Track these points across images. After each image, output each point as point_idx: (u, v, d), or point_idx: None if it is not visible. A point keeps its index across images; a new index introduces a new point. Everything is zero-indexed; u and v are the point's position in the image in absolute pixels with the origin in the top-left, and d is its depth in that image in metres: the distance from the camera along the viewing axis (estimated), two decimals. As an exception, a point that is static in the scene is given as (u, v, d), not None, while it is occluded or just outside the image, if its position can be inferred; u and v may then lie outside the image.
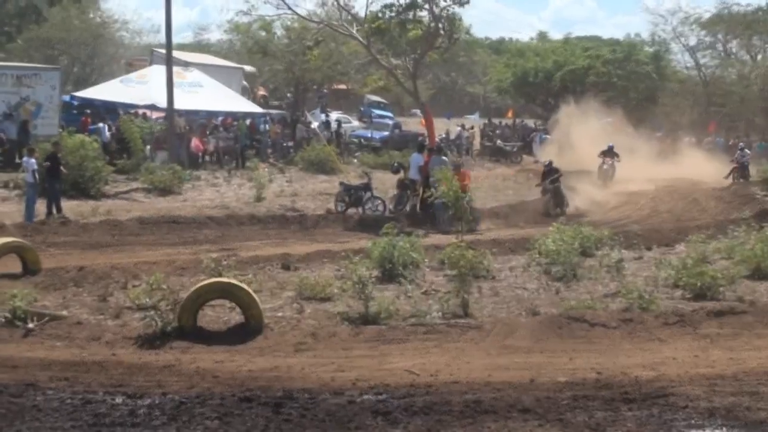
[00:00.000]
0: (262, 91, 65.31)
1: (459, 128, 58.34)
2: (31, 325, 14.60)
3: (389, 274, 18.88)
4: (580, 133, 48.19)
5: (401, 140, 52.39)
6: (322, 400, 11.32)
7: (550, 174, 34.03)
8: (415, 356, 13.58)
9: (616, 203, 36.05)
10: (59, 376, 12.15)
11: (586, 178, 39.58)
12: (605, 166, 42.04)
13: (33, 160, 26.97)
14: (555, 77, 67.40)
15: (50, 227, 25.07)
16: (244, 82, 56.68)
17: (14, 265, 18.80)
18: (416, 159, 30.30)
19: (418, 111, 62.02)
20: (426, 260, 20.37)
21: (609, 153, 42.51)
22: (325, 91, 68.10)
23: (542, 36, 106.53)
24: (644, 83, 67.76)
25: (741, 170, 44.45)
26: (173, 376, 12.46)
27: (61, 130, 35.55)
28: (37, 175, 26.57)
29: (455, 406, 11.09)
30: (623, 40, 78.34)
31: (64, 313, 15.50)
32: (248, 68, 60.47)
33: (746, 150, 47.29)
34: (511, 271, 20.35)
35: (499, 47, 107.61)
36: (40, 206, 26.88)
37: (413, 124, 61.67)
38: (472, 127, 61.88)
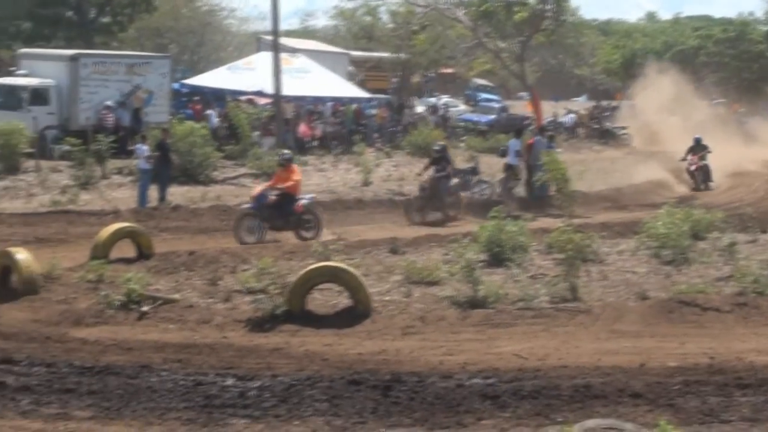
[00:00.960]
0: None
1: (570, 115, 57.67)
2: (145, 308, 14.93)
3: (497, 258, 18.76)
4: (664, 109, 46.77)
5: (508, 123, 51.98)
6: (430, 384, 11.34)
7: (439, 164, 27.40)
8: (524, 340, 13.53)
9: (728, 186, 35.27)
10: (172, 358, 12.41)
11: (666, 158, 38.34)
12: (692, 167, 35.17)
13: (145, 147, 27.54)
14: (664, 58, 66.22)
15: (162, 212, 25.59)
16: (350, 67, 56.84)
17: (129, 250, 19.20)
18: (513, 144, 30.13)
19: (524, 94, 61.57)
20: (534, 244, 20.20)
21: (698, 148, 35.24)
22: (431, 75, 67.97)
23: (651, 16, 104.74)
24: (758, 63, 66.16)
25: None
26: (283, 359, 12.62)
27: (171, 117, 36.17)
28: (149, 162, 27.10)
29: (564, 390, 11.01)
30: (735, 19, 76.53)
31: (177, 296, 15.80)
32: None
33: None
34: (620, 254, 20.03)
35: (606, 28, 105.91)
36: (153, 192, 27.39)
37: (520, 107, 61.23)
38: (586, 109, 61.01)
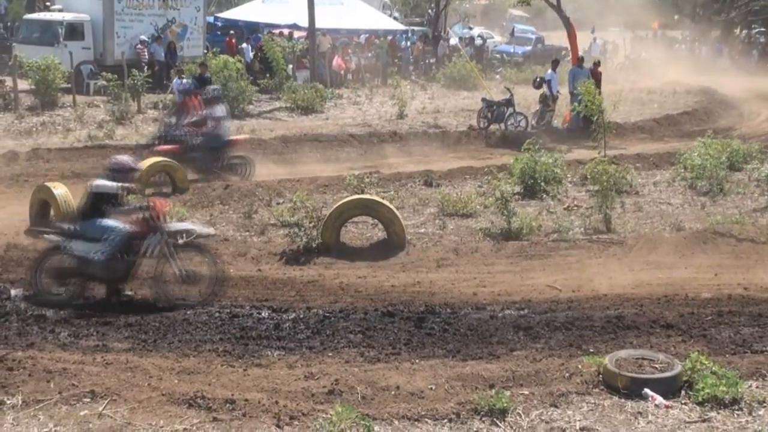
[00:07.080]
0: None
1: (600, 41, 56.91)
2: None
3: (531, 190, 18.80)
4: None
5: (544, 55, 51.57)
6: (464, 315, 11.43)
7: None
8: (557, 272, 13.56)
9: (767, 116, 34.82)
10: (208, 291, 12.50)
11: None
12: None
13: (185, 80, 27.43)
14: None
15: (197, 146, 25.55)
16: (386, -1, 56.39)
17: (164, 184, 19.34)
18: (550, 76, 29.97)
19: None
20: (568, 176, 20.16)
21: None
22: (467, 6, 67.37)
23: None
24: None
25: None
26: (317, 291, 12.72)
27: (206, 51, 36.14)
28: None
29: (597, 321, 11.06)
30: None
31: (212, 230, 15.90)
32: None
33: None
34: (655, 186, 19.98)
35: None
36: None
37: (556, 38, 60.62)
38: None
